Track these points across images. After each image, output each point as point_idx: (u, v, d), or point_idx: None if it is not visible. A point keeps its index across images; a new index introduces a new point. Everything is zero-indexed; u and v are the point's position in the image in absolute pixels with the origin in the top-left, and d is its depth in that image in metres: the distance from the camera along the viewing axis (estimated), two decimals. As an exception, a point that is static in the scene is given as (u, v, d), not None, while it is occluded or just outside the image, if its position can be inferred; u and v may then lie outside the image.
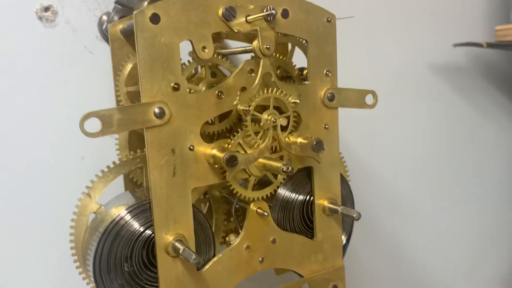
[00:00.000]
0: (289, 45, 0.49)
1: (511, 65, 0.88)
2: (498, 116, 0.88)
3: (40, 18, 0.51)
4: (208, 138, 0.42)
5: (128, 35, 0.43)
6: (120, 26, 0.44)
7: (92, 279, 0.37)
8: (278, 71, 0.48)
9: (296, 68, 0.47)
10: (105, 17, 0.53)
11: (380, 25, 0.72)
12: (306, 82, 0.44)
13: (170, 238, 0.37)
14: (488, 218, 0.90)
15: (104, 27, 0.53)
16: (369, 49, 0.71)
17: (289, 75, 0.47)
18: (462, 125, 0.83)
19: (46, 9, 0.51)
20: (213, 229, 0.46)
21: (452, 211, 0.85)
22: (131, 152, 0.40)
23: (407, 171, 0.78)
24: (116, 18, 0.51)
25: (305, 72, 0.45)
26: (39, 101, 0.51)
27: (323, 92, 0.44)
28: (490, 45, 0.73)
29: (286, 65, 0.46)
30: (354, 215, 0.42)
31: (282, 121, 0.39)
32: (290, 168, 0.37)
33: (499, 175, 0.91)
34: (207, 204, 0.47)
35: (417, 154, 0.79)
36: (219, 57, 0.41)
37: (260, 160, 0.39)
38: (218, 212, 0.46)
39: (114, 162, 0.40)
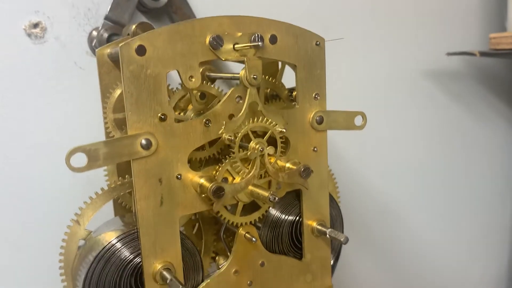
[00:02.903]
0: (280, 62, 0.49)
1: (506, 70, 0.87)
2: (493, 120, 0.88)
3: (29, 35, 0.51)
4: (198, 163, 0.42)
5: (116, 60, 0.43)
6: (108, 51, 0.43)
7: (82, 305, 0.38)
8: (268, 90, 0.48)
9: (286, 88, 0.47)
10: (95, 33, 0.53)
11: (373, 32, 0.71)
12: (295, 103, 0.44)
13: (158, 266, 0.38)
14: (481, 222, 0.91)
15: (94, 43, 0.52)
16: (362, 56, 0.71)
17: (278, 95, 0.47)
18: (456, 130, 0.83)
19: (35, 25, 0.51)
20: (202, 250, 0.46)
21: (445, 216, 0.86)
22: (120, 177, 0.41)
23: (401, 177, 0.78)
24: (105, 35, 0.51)
25: (294, 93, 0.45)
26: (29, 117, 0.51)
27: (311, 116, 0.44)
28: (483, 54, 0.72)
29: (275, 87, 0.46)
30: (341, 239, 0.43)
31: (269, 150, 0.39)
32: (276, 198, 0.37)
33: (493, 179, 0.91)
34: (197, 224, 0.47)
35: (410, 159, 0.79)
36: (207, 83, 0.41)
37: (249, 187, 0.39)
38: (208, 233, 0.46)
39: (102, 189, 0.40)
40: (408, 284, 0.83)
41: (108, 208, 0.46)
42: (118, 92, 0.41)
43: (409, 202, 0.80)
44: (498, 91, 0.87)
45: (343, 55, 0.68)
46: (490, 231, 0.94)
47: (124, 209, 0.45)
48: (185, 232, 0.47)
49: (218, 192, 0.36)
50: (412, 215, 0.81)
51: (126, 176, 0.40)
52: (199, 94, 0.44)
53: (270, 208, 0.44)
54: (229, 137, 0.38)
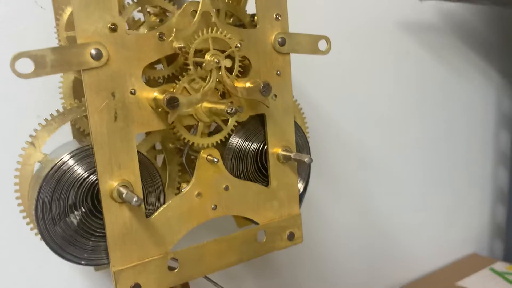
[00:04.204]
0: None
1: (481, 21, 0.87)
2: (468, 73, 0.88)
3: (-15, -29, 0.49)
4: (157, 84, 0.41)
5: (68, -21, 0.42)
6: (60, -30, 0.42)
7: (38, 231, 0.37)
8: (232, 19, 0.47)
9: (249, 14, 0.46)
10: (54, -30, 0.51)
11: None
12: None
13: (114, 183, 0.37)
14: (459, 176, 0.91)
15: (53, -20, 0.51)
16: (334, 5, 0.70)
17: (242, 23, 0.46)
18: (431, 82, 0.83)
19: (-10, -39, 0.49)
20: (167, 182, 0.45)
21: (422, 168, 0.85)
22: (76, 100, 0.39)
23: (376, 128, 0.78)
24: (64, -31, 0.50)
25: (256, 17, 0.44)
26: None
27: (273, 37, 0.43)
28: (457, -1, 0.72)
29: (236, 10, 0.45)
30: (305, 159, 0.42)
31: (226, 62, 0.38)
32: (234, 109, 0.36)
33: (470, 132, 0.91)
34: (162, 157, 0.46)
35: (385, 112, 0.78)
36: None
37: (206, 104, 0.39)
38: (172, 163, 0.45)
39: (57, 110, 0.39)
40: (383, 234, 0.83)
41: (67, 136, 0.45)
42: (69, 10, 0.40)
43: (386, 155, 0.80)
44: (472, 41, 0.86)
45: (312, 3, 0.67)
46: (470, 187, 0.94)
47: (82, 134, 0.44)
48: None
49: (173, 101, 0.35)
50: (389, 168, 0.81)
51: (82, 99, 0.39)
52: (158, 20, 0.43)
53: (234, 136, 0.43)
54: (179, 45, 0.36)
